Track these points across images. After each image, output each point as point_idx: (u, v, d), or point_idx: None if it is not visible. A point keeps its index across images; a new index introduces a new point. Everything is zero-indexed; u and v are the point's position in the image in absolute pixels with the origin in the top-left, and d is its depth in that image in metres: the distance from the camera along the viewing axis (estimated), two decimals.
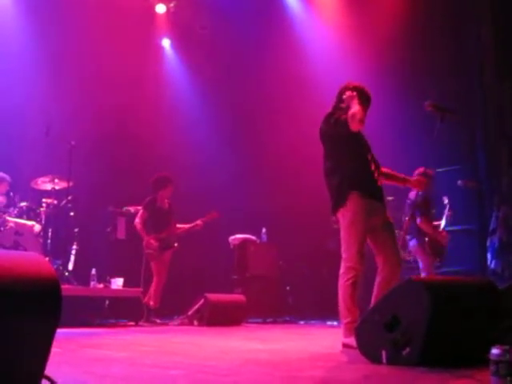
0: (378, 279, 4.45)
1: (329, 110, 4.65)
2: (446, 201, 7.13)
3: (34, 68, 8.50)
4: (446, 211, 7.10)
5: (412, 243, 6.90)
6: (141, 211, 7.90)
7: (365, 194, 4.42)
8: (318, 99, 8.76)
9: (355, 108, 4.34)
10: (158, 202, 7.93)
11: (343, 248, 4.43)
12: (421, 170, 6.32)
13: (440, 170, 7.16)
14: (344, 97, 4.54)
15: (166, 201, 8.03)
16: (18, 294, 1.71)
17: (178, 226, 8.05)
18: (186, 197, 8.45)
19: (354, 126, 4.32)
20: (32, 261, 1.84)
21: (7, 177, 7.45)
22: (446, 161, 7.91)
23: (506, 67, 8.14)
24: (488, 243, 7.98)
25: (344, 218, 4.44)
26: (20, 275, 1.73)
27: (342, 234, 4.45)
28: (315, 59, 9.82)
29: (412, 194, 6.88)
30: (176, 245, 7.95)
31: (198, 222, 8.05)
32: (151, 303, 7.66)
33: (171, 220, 8.01)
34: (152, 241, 7.73)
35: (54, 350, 3.43)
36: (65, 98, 8.58)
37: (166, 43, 11.11)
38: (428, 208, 6.92)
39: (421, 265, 6.88)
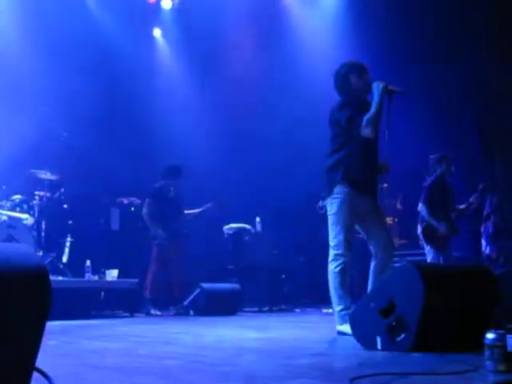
0: (372, 265, 4.47)
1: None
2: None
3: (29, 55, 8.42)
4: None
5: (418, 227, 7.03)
6: (147, 200, 7.90)
7: (352, 182, 4.42)
8: (313, 88, 8.81)
9: (371, 111, 4.30)
10: (164, 190, 7.94)
11: (331, 236, 4.45)
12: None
13: (432, 156, 7.15)
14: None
15: (171, 188, 8.05)
16: (5, 284, 1.69)
17: (187, 211, 8.06)
18: (182, 187, 8.42)
19: (367, 133, 4.31)
20: (19, 251, 1.82)
21: None
22: (439, 147, 7.89)
23: (498, 51, 8.11)
24: (482, 229, 7.98)
25: (331, 206, 4.45)
26: (7, 266, 1.71)
27: (330, 221, 4.47)
28: (312, 49, 9.81)
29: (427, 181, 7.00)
30: (186, 231, 8.00)
31: (208, 205, 8.07)
32: (148, 293, 7.66)
33: (179, 207, 8.02)
34: (160, 231, 7.74)
35: (49, 342, 3.43)
36: (58, 89, 8.52)
37: (157, 33, 11.05)
38: (439, 195, 6.95)
39: (426, 250, 6.98)
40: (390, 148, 4.54)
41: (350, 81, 4.53)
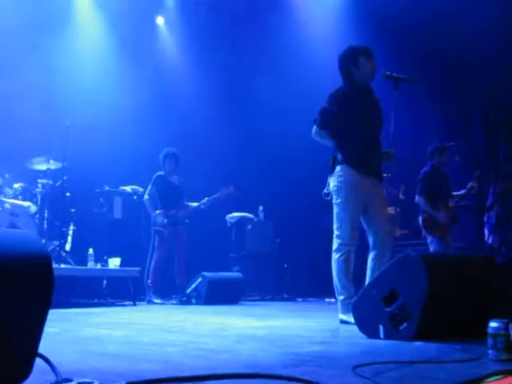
0: (371, 256, 4.44)
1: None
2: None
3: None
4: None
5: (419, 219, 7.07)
6: (149, 187, 7.93)
7: (355, 164, 4.41)
8: (318, 76, 8.78)
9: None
10: (165, 177, 7.95)
11: (335, 225, 4.43)
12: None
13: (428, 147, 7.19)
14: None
15: (175, 177, 8.05)
16: (7, 270, 1.68)
17: (189, 203, 8.05)
18: (182, 175, 8.41)
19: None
20: (22, 237, 1.82)
21: None
22: (443, 137, 7.86)
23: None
24: (485, 219, 7.98)
25: (336, 194, 4.43)
26: (9, 252, 1.70)
27: (335, 210, 4.46)
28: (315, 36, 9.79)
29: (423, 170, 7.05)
30: (187, 221, 7.99)
31: (214, 197, 8.05)
32: (150, 282, 7.68)
33: (181, 196, 8.02)
34: (160, 217, 7.76)
35: (51, 329, 3.44)
36: (59, 76, 8.50)
37: (160, 21, 11.00)
38: (434, 185, 6.98)
39: (428, 240, 7.01)
40: (395, 136, 4.53)
41: (352, 66, 4.50)
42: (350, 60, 4.52)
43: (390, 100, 4.54)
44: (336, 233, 4.42)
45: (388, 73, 4.51)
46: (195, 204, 8.01)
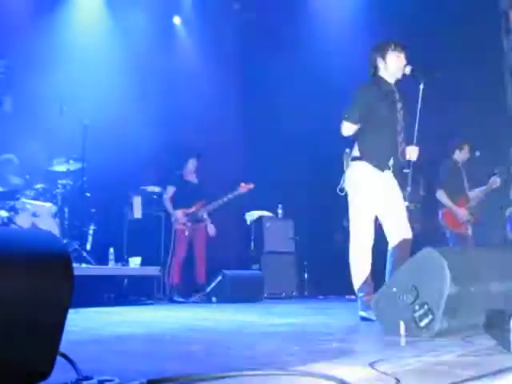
0: (389, 250, 4.40)
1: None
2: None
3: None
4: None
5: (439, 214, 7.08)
6: (168, 186, 8.00)
7: (373, 164, 4.37)
8: (336, 72, 8.75)
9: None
10: (184, 176, 8.01)
11: (352, 222, 4.41)
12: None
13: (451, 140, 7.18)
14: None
15: (194, 175, 8.10)
16: (28, 270, 1.70)
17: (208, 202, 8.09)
18: (201, 174, 8.43)
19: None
20: (42, 237, 1.83)
21: (14, 157, 7.49)
22: (462, 133, 7.78)
23: None
24: (507, 213, 7.90)
25: (352, 191, 4.41)
26: (30, 251, 1.72)
27: (350, 207, 4.44)
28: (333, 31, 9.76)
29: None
30: (207, 218, 8.01)
31: (230, 195, 8.05)
32: (171, 280, 7.71)
33: (201, 195, 8.06)
34: (179, 216, 7.80)
35: (72, 328, 3.46)
36: (77, 76, 8.55)
37: (176, 20, 11.02)
38: (455, 180, 6.95)
39: (448, 235, 7.04)
40: (419, 132, 4.47)
41: (381, 60, 4.46)
42: (378, 54, 4.48)
43: (415, 95, 4.48)
44: (352, 230, 4.40)
45: (413, 67, 4.45)
46: (215, 202, 8.02)
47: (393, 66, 4.42)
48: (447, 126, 8.10)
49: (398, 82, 4.56)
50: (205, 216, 8.01)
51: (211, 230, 7.99)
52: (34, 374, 1.80)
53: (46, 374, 1.81)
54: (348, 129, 4.41)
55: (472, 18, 7.90)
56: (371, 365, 2.07)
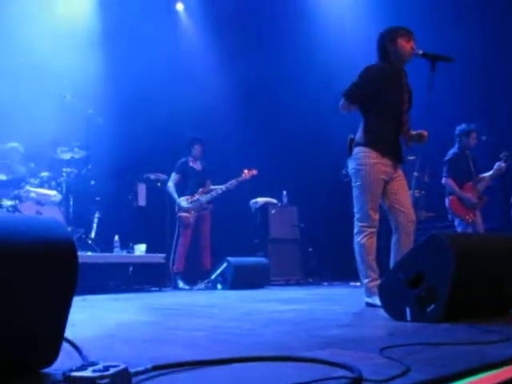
0: (394, 236, 4.39)
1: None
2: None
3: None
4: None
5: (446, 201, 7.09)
6: (172, 174, 8.02)
7: (376, 150, 4.34)
8: (342, 58, 8.71)
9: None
10: (189, 163, 8.01)
11: (356, 207, 4.39)
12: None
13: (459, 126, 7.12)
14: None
15: (198, 162, 8.10)
16: (32, 256, 1.69)
17: (213, 187, 8.10)
18: (204, 161, 8.42)
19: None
20: (46, 224, 1.82)
21: (19, 146, 7.50)
22: (467, 118, 7.74)
23: None
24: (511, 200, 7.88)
25: (355, 177, 4.38)
26: (34, 237, 1.71)
27: (354, 193, 4.41)
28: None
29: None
30: (211, 206, 8.03)
31: (233, 181, 8.05)
32: (176, 268, 7.73)
33: (205, 181, 8.08)
34: (184, 203, 7.81)
35: (78, 316, 3.47)
36: (81, 65, 8.52)
37: (179, 7, 10.97)
38: (461, 166, 6.95)
39: (456, 223, 7.02)
40: (429, 115, 4.44)
41: (390, 44, 4.41)
42: (388, 38, 4.43)
43: (424, 80, 4.44)
44: (357, 215, 4.38)
45: (424, 51, 4.41)
46: (219, 187, 8.03)
47: (403, 49, 4.37)
48: (455, 111, 8.07)
49: (405, 68, 4.52)
50: (210, 205, 8.03)
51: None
52: (40, 360, 1.80)
53: (51, 361, 1.81)
54: (345, 107, 4.42)
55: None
56: (380, 352, 2.06)
